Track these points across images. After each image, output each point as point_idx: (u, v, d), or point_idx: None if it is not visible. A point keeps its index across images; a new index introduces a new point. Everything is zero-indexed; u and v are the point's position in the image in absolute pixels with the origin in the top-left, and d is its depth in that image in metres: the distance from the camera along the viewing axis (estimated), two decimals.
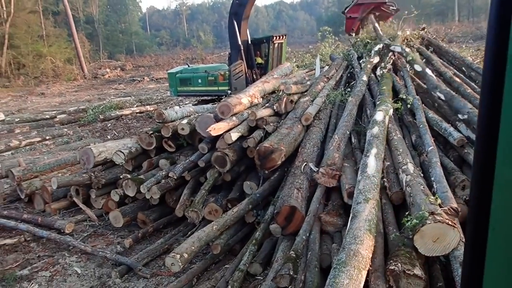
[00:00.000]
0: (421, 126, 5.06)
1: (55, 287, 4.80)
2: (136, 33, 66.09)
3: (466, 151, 4.61)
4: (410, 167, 4.05)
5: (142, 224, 6.10)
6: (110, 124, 14.28)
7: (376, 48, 7.98)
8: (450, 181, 4.06)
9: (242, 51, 12.38)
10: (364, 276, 2.67)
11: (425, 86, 6.53)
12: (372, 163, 3.95)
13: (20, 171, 7.28)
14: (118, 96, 22.76)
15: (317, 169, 4.58)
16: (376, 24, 9.46)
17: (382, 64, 7.35)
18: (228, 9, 14.08)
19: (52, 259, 5.44)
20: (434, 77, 6.48)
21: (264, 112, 6.03)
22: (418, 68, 6.78)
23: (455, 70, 7.73)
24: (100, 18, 56.82)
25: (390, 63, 7.44)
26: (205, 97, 14.55)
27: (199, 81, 14.36)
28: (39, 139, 10.77)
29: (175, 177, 5.85)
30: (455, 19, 52.67)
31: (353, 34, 10.50)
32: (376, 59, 7.62)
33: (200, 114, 6.75)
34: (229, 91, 11.99)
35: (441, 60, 8.09)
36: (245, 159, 5.88)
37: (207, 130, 5.60)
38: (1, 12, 34.66)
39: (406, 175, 3.91)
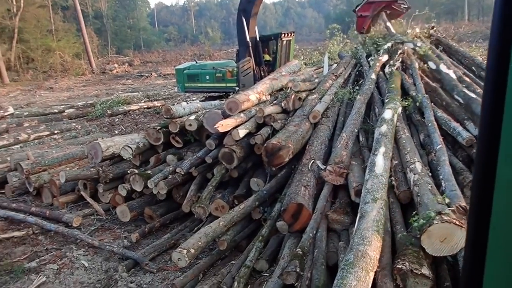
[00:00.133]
0: (429, 124, 5.02)
1: (63, 280, 4.84)
2: (144, 29, 66.26)
3: (475, 151, 4.57)
4: (418, 166, 4.02)
5: (149, 219, 6.13)
6: (117, 119, 14.35)
7: (386, 46, 7.94)
8: (458, 181, 4.04)
9: (250, 48, 12.36)
10: (372, 278, 2.67)
11: (433, 84, 6.47)
12: (380, 162, 3.93)
13: (29, 164, 7.34)
14: (125, 92, 22.85)
15: (325, 166, 4.57)
16: (389, 23, 9.38)
17: (391, 62, 7.31)
18: (236, 5, 14.08)
19: (59, 252, 5.48)
20: (452, 74, 6.29)
21: (272, 109, 6.02)
22: (432, 65, 6.62)
23: (464, 70, 7.67)
24: (108, 13, 57.04)
25: (399, 61, 7.39)
26: (213, 94, 14.57)
27: (207, 77, 14.38)
28: (47, 133, 10.84)
29: (182, 173, 5.87)
30: (464, 18, 52.18)
31: (364, 33, 10.43)
32: (385, 57, 7.58)
33: (207, 110, 6.77)
34: (237, 88, 11.99)
35: (450, 60, 8.02)
36: (252, 156, 5.88)
37: (214, 127, 5.61)
38: (11, 7, 34.87)
39: (414, 174, 3.89)
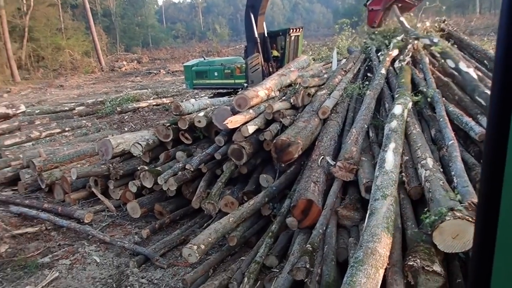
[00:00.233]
0: (441, 119, 4.95)
1: (75, 275, 4.90)
2: (152, 26, 66.40)
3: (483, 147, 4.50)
4: (429, 161, 3.98)
5: (159, 215, 6.17)
6: (127, 116, 14.44)
7: (395, 41, 7.85)
8: (471, 176, 3.97)
9: (259, 44, 12.33)
10: (382, 275, 2.65)
11: (445, 78, 6.37)
12: (390, 158, 3.90)
13: (41, 161, 7.43)
14: (134, 89, 22.98)
15: (334, 162, 4.55)
16: (402, 18, 9.21)
17: (401, 57, 7.23)
18: (244, 2, 14.02)
19: (72, 247, 5.55)
20: (472, 73, 5.95)
21: (281, 105, 6.01)
22: (451, 63, 6.24)
23: (476, 64, 7.56)
24: (117, 11, 57.28)
25: (409, 55, 7.31)
26: (221, 90, 14.57)
27: (215, 74, 14.38)
28: (58, 130, 10.94)
29: (192, 169, 5.90)
30: (476, 11, 51.44)
31: (376, 27, 10.30)
32: (395, 52, 7.50)
33: (216, 106, 6.77)
34: (245, 84, 11.98)
35: (462, 53, 7.92)
36: (262, 152, 5.88)
37: (224, 123, 5.61)
38: (21, 5, 35.23)
39: (425, 170, 3.85)
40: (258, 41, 12.32)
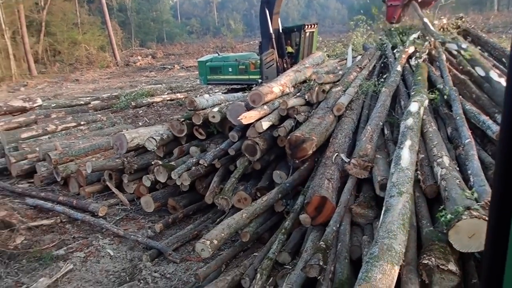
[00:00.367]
0: (457, 118, 4.87)
1: (89, 268, 4.97)
2: (167, 21, 66.62)
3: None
4: (446, 160, 3.93)
5: (172, 210, 6.22)
6: (141, 111, 14.55)
7: (412, 38, 7.74)
8: (487, 175, 3.91)
9: (273, 39, 12.29)
10: (397, 272, 2.62)
11: (462, 76, 6.27)
12: (406, 155, 3.86)
13: (57, 154, 7.54)
14: (149, 84, 23.13)
15: (349, 160, 4.52)
16: (426, 19, 8.99)
17: (417, 54, 7.13)
18: None
19: (86, 240, 5.63)
20: (504, 83, 5.71)
21: (295, 101, 5.98)
22: (480, 71, 5.84)
23: (494, 61, 7.42)
24: (132, 6, 57.59)
25: (426, 52, 7.20)
26: (235, 86, 14.57)
27: (230, 69, 14.39)
28: (74, 124, 11.08)
29: (206, 165, 5.91)
30: (493, 8, 50.44)
31: (395, 22, 10.16)
32: (411, 49, 7.40)
33: (231, 102, 6.77)
34: (260, 80, 11.96)
35: (480, 51, 7.77)
36: (275, 148, 5.87)
37: (238, 119, 5.61)
38: (39, 0, 35.68)
39: (441, 168, 3.80)
40: (273, 37, 12.28)
